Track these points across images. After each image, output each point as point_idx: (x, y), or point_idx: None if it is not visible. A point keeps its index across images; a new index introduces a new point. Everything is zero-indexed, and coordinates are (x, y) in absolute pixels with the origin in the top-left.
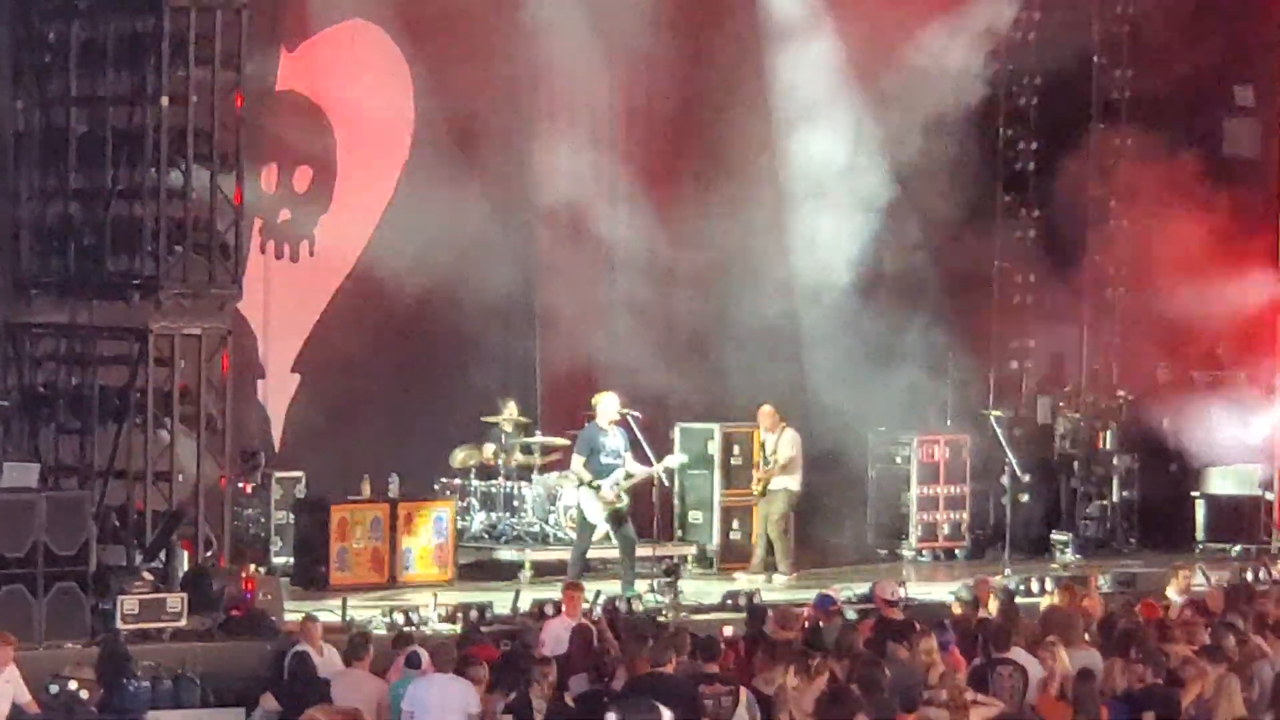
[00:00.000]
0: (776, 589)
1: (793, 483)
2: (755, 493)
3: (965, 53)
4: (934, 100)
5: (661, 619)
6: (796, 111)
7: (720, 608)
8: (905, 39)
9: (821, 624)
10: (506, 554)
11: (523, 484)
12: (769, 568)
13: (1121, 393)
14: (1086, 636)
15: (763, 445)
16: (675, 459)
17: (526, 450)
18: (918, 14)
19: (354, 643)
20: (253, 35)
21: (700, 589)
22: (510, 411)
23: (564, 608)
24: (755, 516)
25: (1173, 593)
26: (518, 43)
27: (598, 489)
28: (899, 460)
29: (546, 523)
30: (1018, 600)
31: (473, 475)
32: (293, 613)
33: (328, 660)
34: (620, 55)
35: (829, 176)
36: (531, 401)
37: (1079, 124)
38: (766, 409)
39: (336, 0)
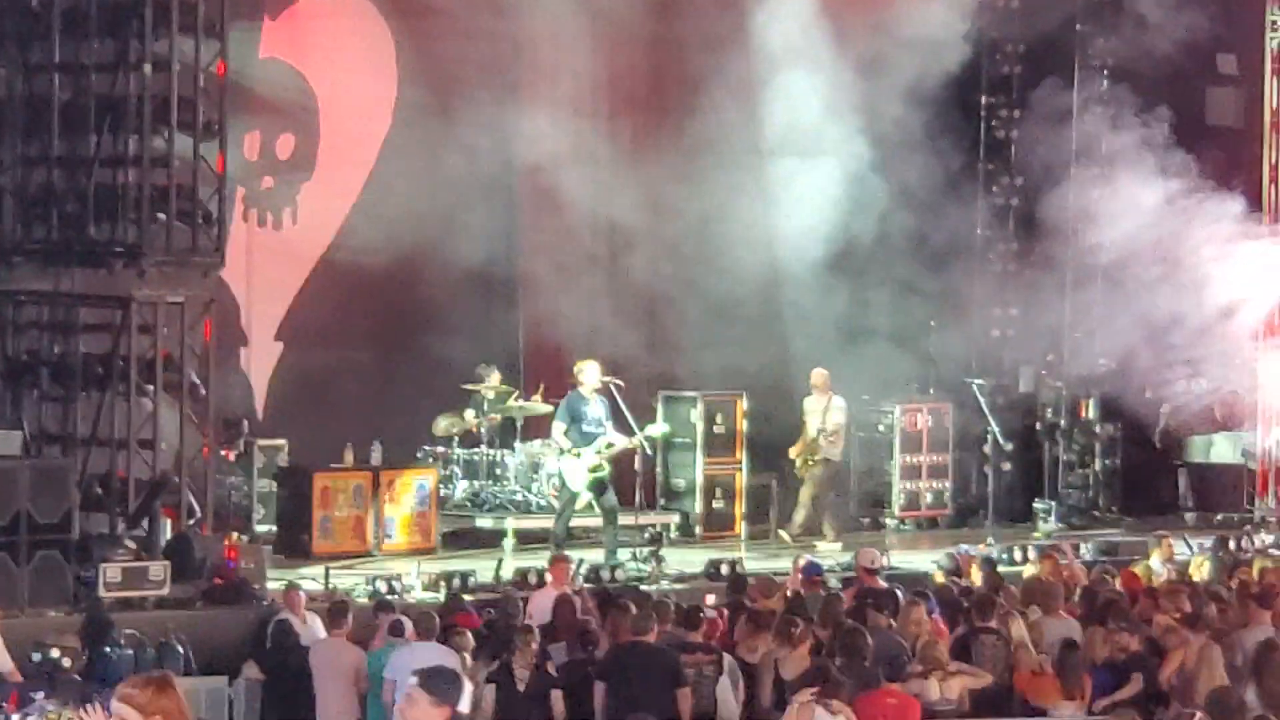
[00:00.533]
0: (827, 556)
1: (836, 452)
2: (803, 458)
3: (946, 18)
4: (915, 67)
5: (644, 588)
6: (776, 77)
7: (703, 577)
8: (887, 4)
9: (804, 592)
10: (489, 522)
11: (505, 452)
12: (810, 533)
13: (1103, 361)
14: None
15: (806, 410)
16: (657, 428)
17: (508, 417)
18: None
19: (333, 610)
20: (236, 2)
21: (683, 558)
22: (492, 379)
23: (551, 578)
24: (806, 480)
25: (1155, 562)
26: (500, 11)
27: (579, 456)
28: (881, 429)
29: (529, 491)
30: (1000, 569)
31: (455, 443)
32: (275, 581)
33: (310, 629)
34: (602, 23)
35: (808, 143)
36: (514, 369)
37: (1061, 92)
38: (822, 372)
39: None
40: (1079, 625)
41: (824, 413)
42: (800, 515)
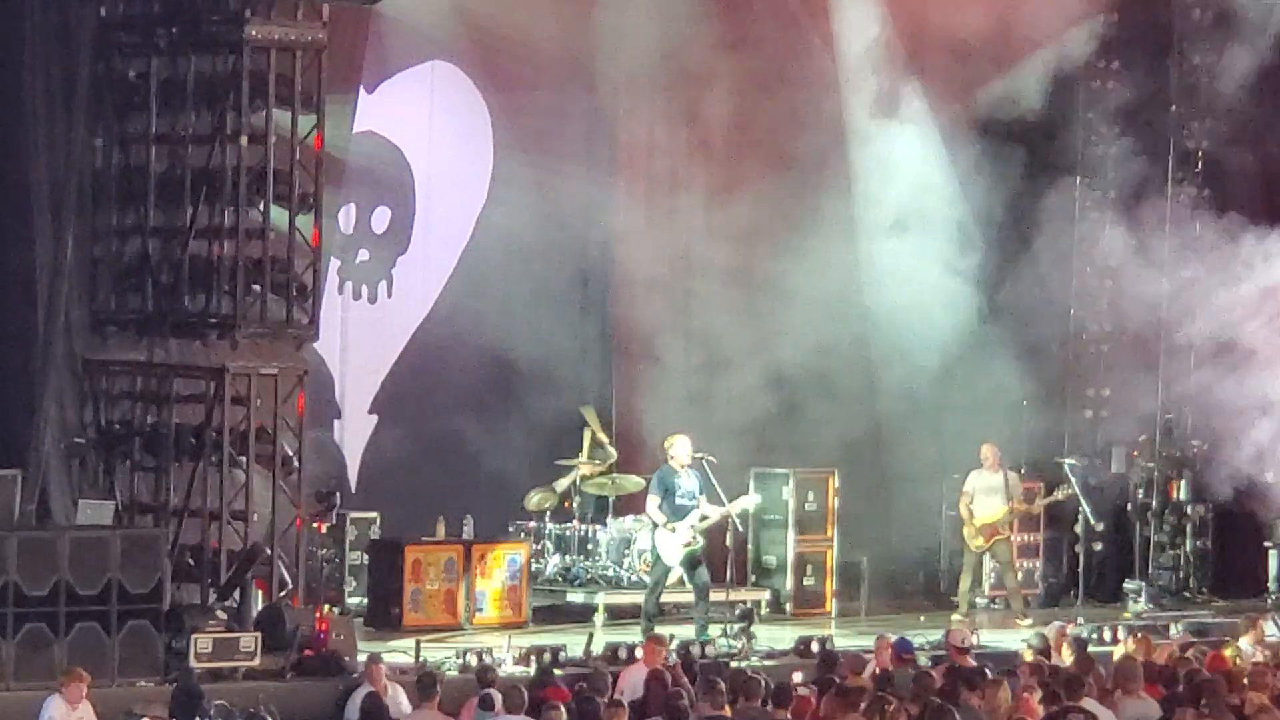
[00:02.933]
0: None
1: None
2: (999, 530)
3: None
4: (1015, 144)
5: (735, 664)
6: (869, 150)
7: (793, 654)
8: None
9: (893, 669)
10: (580, 597)
11: (597, 527)
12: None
13: (1196, 442)
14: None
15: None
16: (750, 499)
17: (601, 493)
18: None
19: (423, 683)
20: (332, 75)
21: (773, 635)
22: (592, 421)
23: (643, 656)
24: (1003, 556)
25: (1246, 643)
26: (592, 86)
27: (673, 531)
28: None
29: (620, 566)
30: (1090, 649)
31: (547, 518)
32: (365, 653)
33: (393, 700)
34: (694, 97)
35: (905, 217)
36: (607, 443)
37: (1155, 176)
38: (994, 448)
39: (416, 41)
40: (1158, 706)
41: (1005, 488)
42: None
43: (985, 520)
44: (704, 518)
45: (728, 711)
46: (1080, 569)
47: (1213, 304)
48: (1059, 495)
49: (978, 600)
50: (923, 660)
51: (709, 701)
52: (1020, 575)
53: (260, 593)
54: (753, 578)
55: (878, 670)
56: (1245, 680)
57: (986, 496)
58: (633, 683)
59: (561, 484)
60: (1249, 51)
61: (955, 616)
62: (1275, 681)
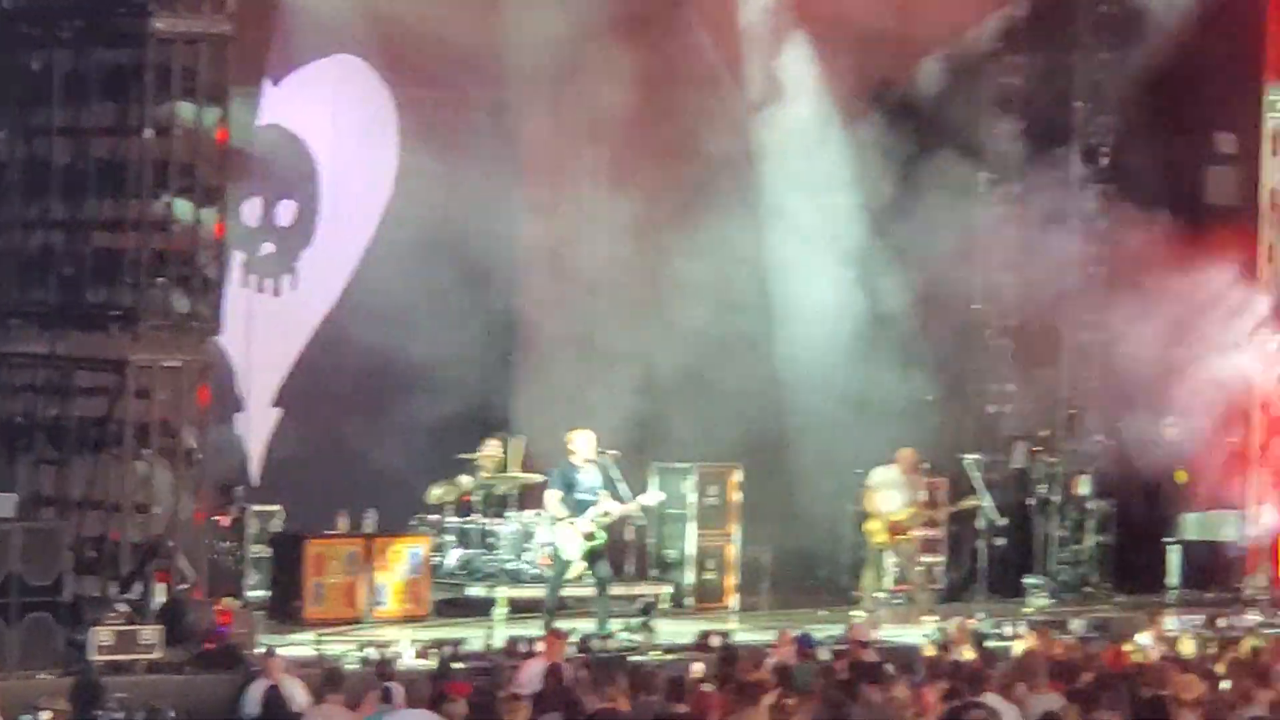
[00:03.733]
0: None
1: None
2: (904, 530)
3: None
4: (919, 144)
5: (635, 657)
6: (777, 153)
7: (694, 648)
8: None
9: (793, 664)
10: (481, 591)
11: (498, 521)
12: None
13: (1098, 438)
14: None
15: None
16: (652, 496)
17: (501, 487)
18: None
19: (329, 676)
20: (238, 68)
21: (675, 629)
22: (488, 448)
23: (544, 650)
24: (905, 556)
25: (1145, 638)
26: (501, 81)
27: (573, 525)
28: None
29: (521, 560)
30: (989, 644)
31: (449, 511)
32: (264, 646)
33: (289, 693)
34: (598, 96)
35: (809, 215)
36: (508, 438)
37: (1058, 170)
38: (912, 452)
39: (322, 34)
40: (1062, 700)
41: (914, 491)
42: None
43: (890, 517)
44: (605, 513)
45: (626, 705)
46: (982, 564)
47: (1115, 299)
48: (966, 504)
49: (880, 595)
50: (824, 655)
51: (608, 695)
52: (922, 570)
53: (162, 586)
54: (654, 572)
55: (778, 664)
56: (1146, 675)
57: (892, 493)
58: (532, 676)
59: (463, 478)
60: (1152, 46)
61: (856, 612)
62: (1175, 680)
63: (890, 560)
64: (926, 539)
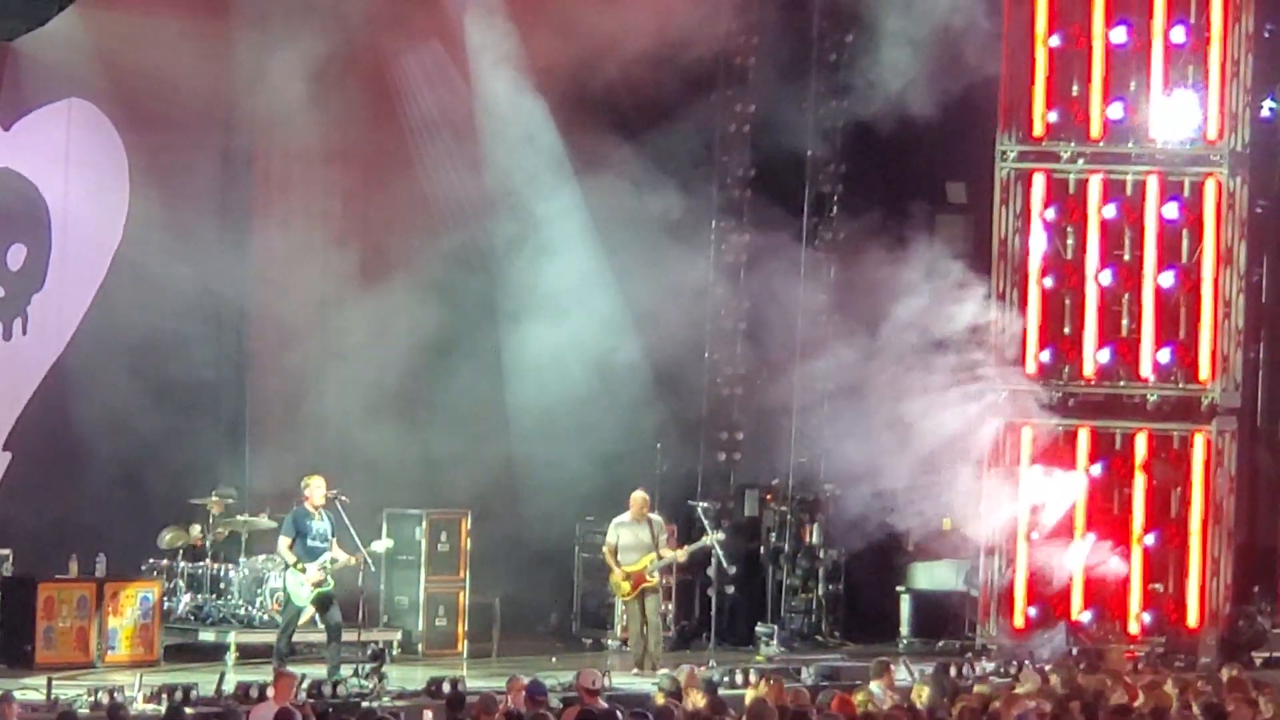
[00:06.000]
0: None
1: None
2: (647, 578)
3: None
4: (651, 186)
5: (366, 704)
6: (504, 199)
7: (424, 694)
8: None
9: (524, 711)
10: (212, 635)
11: (229, 566)
12: (648, 659)
13: (829, 486)
14: None
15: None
16: (382, 544)
17: (234, 532)
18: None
19: None
20: None
21: (405, 675)
22: (219, 493)
23: (273, 693)
24: (646, 608)
25: (876, 688)
26: (232, 128)
27: (304, 571)
28: (605, 550)
29: (253, 605)
30: (721, 692)
31: (180, 556)
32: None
33: None
34: (338, 140)
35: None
36: (240, 484)
37: (791, 217)
38: (643, 495)
39: (53, 79)
40: None
41: (652, 536)
42: (648, 641)
43: (630, 569)
44: (334, 560)
45: None
46: (713, 612)
47: (841, 346)
48: (702, 542)
49: (609, 643)
50: (554, 702)
51: None
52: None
53: None
54: (385, 618)
55: (507, 712)
56: None
57: (631, 546)
58: (262, 719)
59: (194, 526)
60: (883, 95)
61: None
62: None
63: (634, 608)
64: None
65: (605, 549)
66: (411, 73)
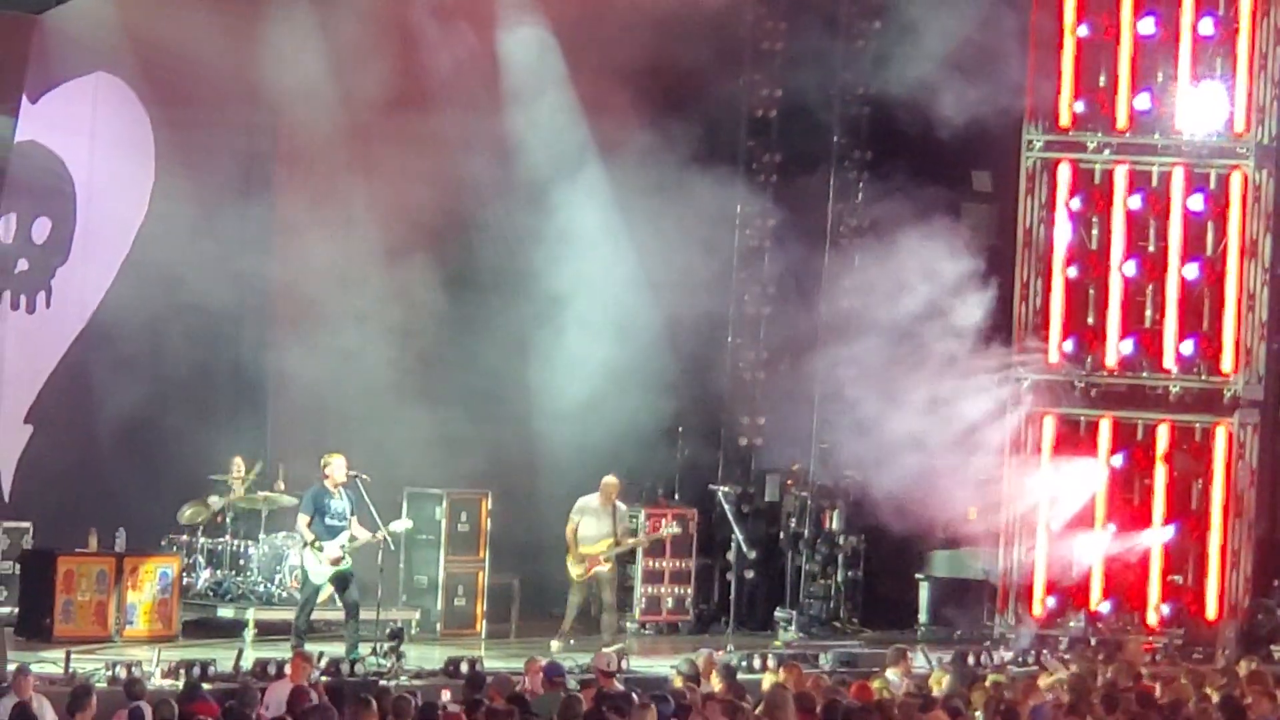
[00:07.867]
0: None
1: None
2: (601, 561)
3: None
4: (671, 170)
5: (383, 683)
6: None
7: (442, 674)
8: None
9: (542, 692)
10: (230, 612)
11: (249, 542)
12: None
13: (849, 473)
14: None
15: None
16: (401, 523)
17: (254, 508)
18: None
19: (76, 695)
20: None
21: (423, 654)
22: (239, 469)
23: (290, 672)
24: (603, 585)
25: (893, 674)
26: (257, 102)
27: (321, 550)
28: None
29: (271, 582)
30: (739, 677)
31: (200, 532)
32: (15, 664)
33: (39, 711)
34: (363, 117)
35: (561, 242)
36: (261, 460)
37: (818, 205)
38: (615, 481)
39: (80, 53)
40: None
41: (613, 522)
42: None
43: (586, 550)
44: (353, 539)
45: None
46: (732, 596)
47: (864, 333)
48: (665, 532)
49: (628, 625)
50: (572, 684)
51: (359, 719)
52: (671, 601)
53: None
54: (403, 597)
55: (523, 693)
56: (894, 712)
57: (591, 535)
58: (278, 698)
59: (214, 498)
60: (910, 81)
61: (554, 643)
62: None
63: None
64: (676, 570)
65: (568, 529)
66: (437, 50)
